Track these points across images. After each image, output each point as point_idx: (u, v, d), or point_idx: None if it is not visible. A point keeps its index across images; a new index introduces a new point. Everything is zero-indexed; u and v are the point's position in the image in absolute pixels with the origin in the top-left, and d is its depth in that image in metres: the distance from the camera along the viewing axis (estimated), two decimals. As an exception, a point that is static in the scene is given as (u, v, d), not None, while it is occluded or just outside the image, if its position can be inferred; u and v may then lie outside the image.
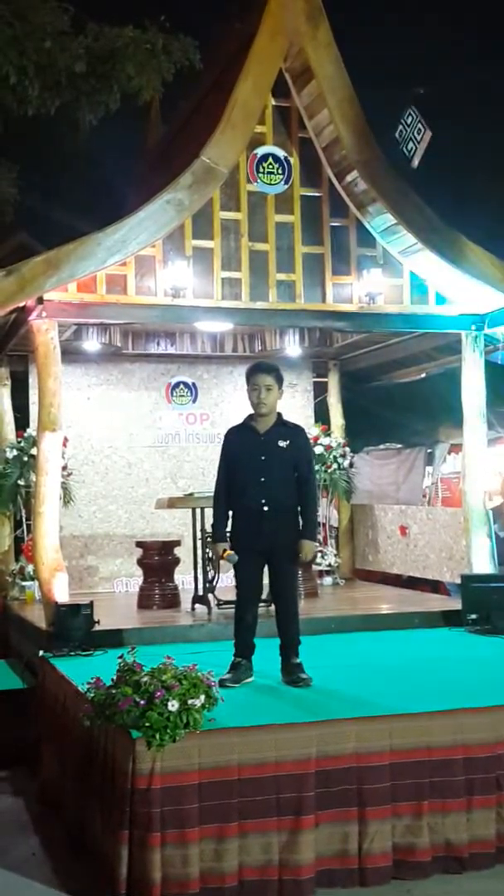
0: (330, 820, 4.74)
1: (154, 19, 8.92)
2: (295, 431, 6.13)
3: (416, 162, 9.42)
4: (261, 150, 8.23)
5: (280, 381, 6.07)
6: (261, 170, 8.23)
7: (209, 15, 10.73)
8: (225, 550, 6.01)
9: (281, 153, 8.30)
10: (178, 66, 9.09)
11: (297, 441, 6.08)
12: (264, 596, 6.39)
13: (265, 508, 5.91)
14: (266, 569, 6.11)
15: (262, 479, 5.93)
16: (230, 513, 6.09)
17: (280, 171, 8.28)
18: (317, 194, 8.44)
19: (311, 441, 10.59)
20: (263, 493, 5.92)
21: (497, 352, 9.17)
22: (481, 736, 5.00)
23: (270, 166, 8.25)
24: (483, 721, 5.04)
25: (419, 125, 9.52)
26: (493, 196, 13.62)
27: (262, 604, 6.37)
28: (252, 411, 6.10)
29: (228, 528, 6.09)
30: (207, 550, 8.46)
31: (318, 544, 10.55)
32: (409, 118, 9.57)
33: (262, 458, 5.97)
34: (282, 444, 5.99)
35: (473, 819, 4.92)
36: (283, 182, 8.30)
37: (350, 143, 8.07)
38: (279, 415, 6.11)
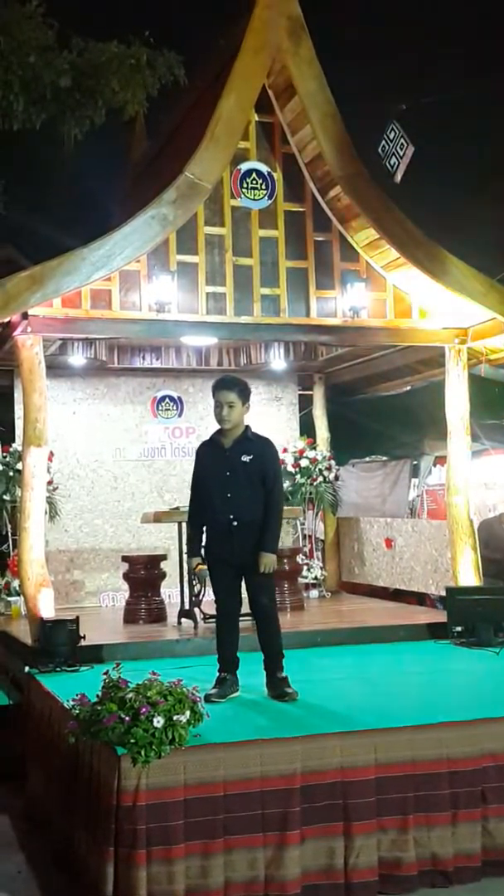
0: (315, 835, 4.74)
1: (138, 34, 8.94)
2: (260, 444, 6.01)
3: (398, 177, 9.47)
4: (244, 166, 8.28)
5: (245, 395, 5.97)
6: (245, 185, 8.28)
7: (194, 30, 10.79)
8: (198, 565, 6.01)
9: (265, 168, 8.35)
10: (162, 81, 9.10)
11: (262, 454, 5.97)
12: (246, 609, 6.37)
13: (234, 523, 5.88)
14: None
15: (228, 495, 5.89)
16: (204, 527, 6.06)
17: (264, 187, 8.33)
18: (300, 209, 8.49)
19: (297, 454, 10.78)
20: (230, 509, 5.88)
21: (480, 364, 9.23)
22: (466, 749, 5.01)
23: (254, 181, 8.30)
24: (467, 734, 5.06)
25: (402, 140, 9.56)
26: (475, 210, 13.71)
27: (245, 618, 6.34)
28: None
29: (204, 542, 6.06)
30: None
31: (303, 558, 10.63)
32: (392, 133, 9.62)
33: (227, 473, 5.92)
34: (245, 458, 5.92)
35: (459, 833, 4.94)
36: (266, 197, 8.34)
37: (333, 158, 8.12)
38: (247, 428, 6.02)
